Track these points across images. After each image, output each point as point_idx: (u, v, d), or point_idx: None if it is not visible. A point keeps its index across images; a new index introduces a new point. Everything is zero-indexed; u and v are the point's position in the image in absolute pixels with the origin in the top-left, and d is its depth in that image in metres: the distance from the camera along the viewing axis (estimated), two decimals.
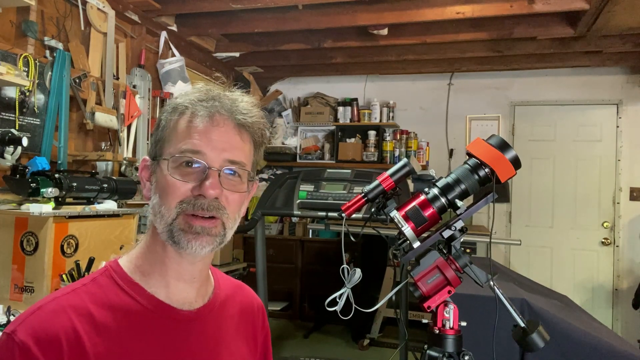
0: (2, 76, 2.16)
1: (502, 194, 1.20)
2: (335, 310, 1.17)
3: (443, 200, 1.17)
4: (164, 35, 3.78)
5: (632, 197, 4.54)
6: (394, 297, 1.32)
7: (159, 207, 0.78)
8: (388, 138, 4.92)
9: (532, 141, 4.82)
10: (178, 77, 3.74)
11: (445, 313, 1.15)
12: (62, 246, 2.08)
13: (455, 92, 5.05)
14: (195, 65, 4.24)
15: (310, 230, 5.03)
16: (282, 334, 4.35)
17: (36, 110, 2.54)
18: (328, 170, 2.67)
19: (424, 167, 4.73)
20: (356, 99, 5.11)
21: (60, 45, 2.72)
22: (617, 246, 4.57)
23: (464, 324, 1.16)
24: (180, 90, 3.66)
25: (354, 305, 1.21)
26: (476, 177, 1.17)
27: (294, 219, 5.05)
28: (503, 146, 1.16)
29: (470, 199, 1.21)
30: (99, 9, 3.03)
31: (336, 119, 5.10)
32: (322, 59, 4.57)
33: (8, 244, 2.06)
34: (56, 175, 2.19)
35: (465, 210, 1.16)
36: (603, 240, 4.62)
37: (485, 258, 3.60)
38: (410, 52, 4.35)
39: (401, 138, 4.91)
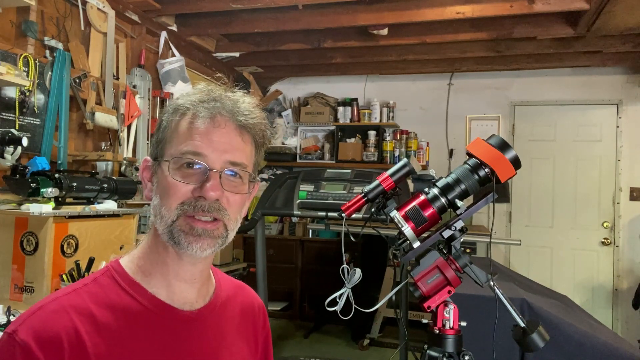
0: (2, 76, 2.16)
1: (502, 194, 1.20)
2: (335, 310, 1.17)
3: (443, 200, 1.17)
4: (164, 35, 3.78)
5: (632, 197, 4.54)
6: (394, 297, 1.32)
7: (159, 208, 0.79)
8: (388, 138, 4.92)
9: (532, 141, 4.82)
10: (178, 77, 3.74)
11: (445, 313, 1.15)
12: (62, 246, 2.08)
13: (455, 92, 5.05)
14: (195, 65, 4.24)
15: (310, 230, 5.03)
16: (282, 334, 4.35)
17: (36, 110, 2.54)
18: (328, 170, 2.67)
19: (424, 167, 4.73)
20: (356, 99, 5.11)
21: (60, 45, 2.72)
22: (617, 246, 4.57)
23: (464, 324, 1.16)
24: (180, 91, 3.66)
25: (354, 305, 1.21)
26: (476, 177, 1.17)
27: (294, 219, 5.05)
28: (503, 146, 1.16)
29: (470, 199, 1.21)
30: (99, 9, 3.03)
31: (336, 119, 5.10)
32: (322, 59, 4.57)
33: (8, 244, 2.06)
34: (56, 175, 2.19)
35: (465, 210, 1.16)
36: (603, 240, 4.62)
37: (485, 258, 3.60)
38: (410, 52, 4.35)
39: (401, 138, 4.91)
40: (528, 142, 4.81)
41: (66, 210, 2.16)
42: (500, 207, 4.78)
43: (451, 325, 1.15)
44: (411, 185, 1.28)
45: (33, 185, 2.12)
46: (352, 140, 5.01)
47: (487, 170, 1.16)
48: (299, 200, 2.56)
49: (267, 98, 5.33)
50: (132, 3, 3.36)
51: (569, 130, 4.74)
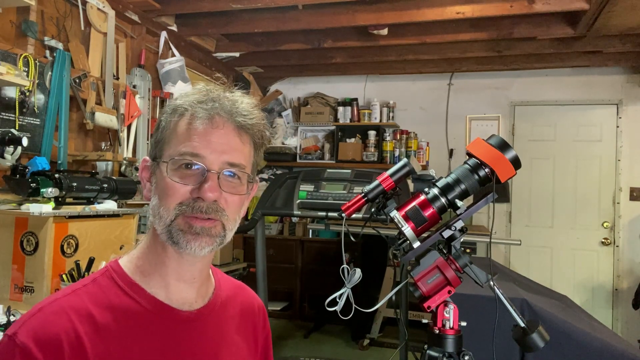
0: (2, 76, 2.16)
1: (502, 194, 1.20)
2: (335, 310, 1.17)
3: (443, 200, 1.17)
4: (164, 35, 3.78)
5: (632, 197, 4.54)
6: (394, 297, 1.32)
7: (158, 208, 0.79)
8: (388, 138, 4.92)
9: (532, 141, 4.82)
10: (178, 77, 3.74)
11: (445, 313, 1.15)
12: (62, 246, 2.08)
13: (455, 92, 5.05)
14: (195, 65, 4.24)
15: (310, 230, 5.03)
16: (282, 334, 4.35)
17: (36, 110, 2.54)
18: (328, 170, 2.67)
19: (424, 167, 4.73)
20: (356, 99, 5.11)
21: (60, 45, 2.72)
22: (617, 246, 4.57)
23: (464, 324, 1.16)
24: (180, 91, 3.65)
25: (354, 305, 1.21)
26: (476, 177, 1.17)
27: (294, 219, 5.05)
28: (503, 146, 1.16)
29: (470, 199, 1.21)
30: (99, 9, 3.03)
31: (336, 119, 5.10)
32: (322, 59, 4.57)
33: (8, 244, 2.06)
34: (56, 175, 2.19)
35: (465, 210, 1.16)
36: (603, 240, 4.62)
37: (485, 258, 3.60)
38: (410, 52, 4.35)
39: (401, 138, 4.91)
40: (528, 142, 4.81)
41: (66, 210, 2.16)
42: (500, 207, 4.79)
43: (451, 325, 1.15)
44: (411, 185, 1.28)
45: (33, 185, 2.12)
46: (352, 140, 5.01)
47: (487, 170, 1.16)
48: (299, 200, 2.56)
49: (267, 98, 5.33)
50: (132, 3, 3.36)
51: (569, 130, 4.74)
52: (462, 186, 1.17)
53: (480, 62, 4.60)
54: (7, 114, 2.40)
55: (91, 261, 1.99)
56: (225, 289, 0.92)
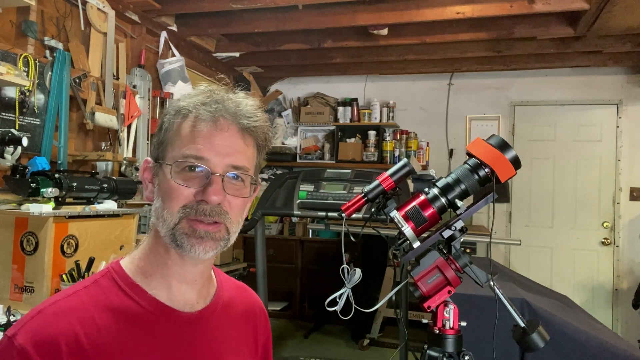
0: (2, 76, 2.16)
1: (502, 194, 1.20)
2: (335, 310, 1.17)
3: (443, 200, 1.17)
4: (164, 35, 3.78)
5: (632, 197, 4.54)
6: (394, 297, 1.32)
7: (161, 210, 0.78)
8: (388, 138, 4.92)
9: (532, 141, 4.82)
10: (178, 77, 3.75)
11: (445, 313, 1.15)
12: (62, 246, 2.08)
13: (455, 92, 5.05)
14: (195, 65, 4.24)
15: (310, 230, 5.03)
16: (282, 334, 4.35)
17: (36, 110, 2.54)
18: (328, 170, 2.67)
19: (424, 167, 4.73)
20: (356, 99, 5.11)
21: (60, 45, 2.72)
22: (617, 246, 4.57)
23: (464, 324, 1.16)
24: (180, 91, 3.66)
25: (354, 305, 1.21)
26: (476, 177, 1.17)
27: (294, 219, 5.05)
28: (503, 146, 1.16)
29: (470, 199, 1.21)
30: (99, 9, 3.03)
31: (336, 119, 5.10)
32: (322, 59, 4.57)
33: (8, 244, 2.06)
34: (56, 175, 2.19)
35: (465, 210, 1.16)
36: (603, 240, 4.62)
37: (485, 258, 3.60)
38: (410, 52, 4.35)
39: (401, 138, 4.91)
40: (528, 142, 4.81)
41: (66, 210, 2.16)
42: (500, 207, 4.78)
43: (451, 325, 1.15)
44: (411, 185, 1.28)
45: (33, 185, 2.12)
46: (352, 140, 5.01)
47: (487, 170, 1.16)
48: (299, 200, 2.56)
49: (267, 98, 5.33)
50: (132, 3, 3.36)
51: (569, 130, 4.74)
52: (462, 186, 1.17)
53: (480, 62, 4.60)
54: (7, 114, 2.40)
55: (91, 261, 1.99)
56: (227, 290, 0.92)
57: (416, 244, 1.16)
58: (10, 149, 2.19)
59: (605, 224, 4.62)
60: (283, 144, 5.20)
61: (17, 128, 2.41)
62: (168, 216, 0.77)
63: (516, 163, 1.15)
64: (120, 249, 2.39)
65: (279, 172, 5.15)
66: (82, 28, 2.96)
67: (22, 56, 2.43)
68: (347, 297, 1.19)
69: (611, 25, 3.39)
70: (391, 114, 4.97)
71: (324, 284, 3.64)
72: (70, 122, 2.80)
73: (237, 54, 4.46)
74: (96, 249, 2.24)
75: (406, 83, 5.17)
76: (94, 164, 3.05)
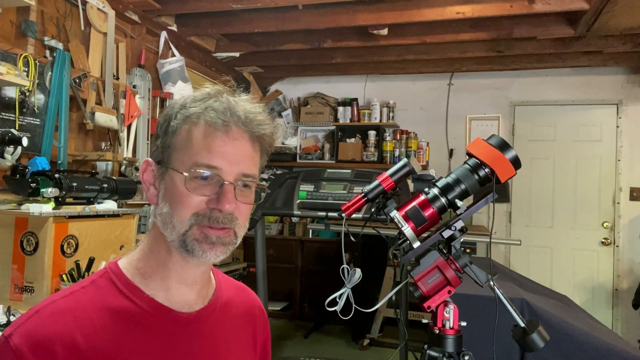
0: (2, 76, 2.16)
1: (502, 194, 1.20)
2: (335, 310, 1.17)
3: (443, 200, 1.17)
4: (164, 35, 3.78)
5: (632, 197, 4.54)
6: (394, 297, 1.32)
7: (170, 217, 0.78)
8: (388, 138, 4.92)
9: (532, 141, 4.82)
10: (178, 77, 3.75)
11: (445, 313, 1.15)
12: (62, 246, 2.08)
13: (455, 92, 5.05)
14: (195, 65, 4.24)
15: (310, 230, 5.03)
16: (282, 334, 4.35)
17: (36, 110, 2.54)
18: (328, 170, 2.67)
19: (424, 167, 4.73)
20: (356, 99, 5.11)
21: (60, 45, 2.72)
22: (617, 246, 4.57)
23: (464, 324, 1.16)
24: (180, 91, 3.66)
25: (354, 305, 1.21)
26: (476, 177, 1.17)
27: (294, 219, 5.05)
28: (503, 146, 1.16)
29: (470, 199, 1.21)
30: (99, 9, 3.03)
31: (336, 119, 5.10)
32: (322, 59, 4.57)
33: (8, 244, 2.06)
34: (56, 175, 2.18)
35: (465, 210, 1.16)
36: (603, 240, 4.62)
37: (485, 258, 3.60)
38: (410, 52, 4.35)
39: (401, 138, 4.91)
40: (528, 142, 4.81)
41: (66, 210, 2.16)
42: (500, 207, 4.78)
43: (451, 325, 1.15)
44: (411, 185, 1.28)
45: (33, 185, 2.12)
46: (352, 140, 5.01)
47: (487, 170, 1.16)
48: (299, 200, 2.56)
49: (267, 98, 5.33)
50: (132, 3, 3.36)
51: (569, 130, 4.74)
52: (462, 186, 1.17)
53: (480, 62, 4.60)
54: (7, 114, 2.40)
55: (91, 261, 1.99)
56: (226, 290, 0.92)
57: (416, 244, 1.16)
58: (10, 149, 2.19)
59: (605, 224, 4.62)
60: (283, 144, 5.20)
61: (17, 128, 2.41)
62: (178, 223, 0.77)
63: (516, 163, 1.15)
64: (120, 249, 2.39)
65: (279, 172, 5.15)
66: (82, 28, 2.96)
67: (22, 56, 2.43)
68: (347, 297, 1.19)
69: (611, 25, 3.39)
70: (391, 114, 4.97)
71: (324, 284, 3.64)
72: (70, 122, 2.80)
73: (237, 54, 4.46)
74: (96, 249, 2.24)
75: (406, 83, 5.17)
76: (94, 164, 3.05)
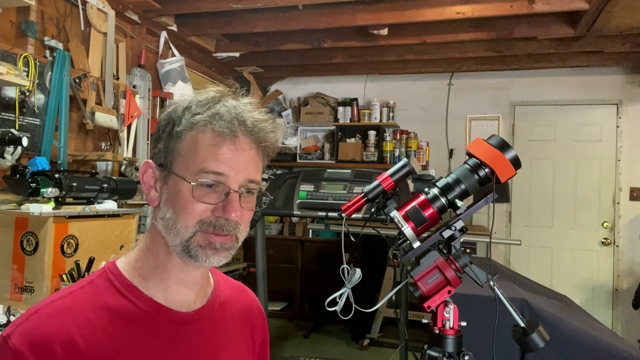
0: (2, 76, 2.16)
1: (502, 194, 1.20)
2: (335, 310, 1.17)
3: (443, 200, 1.17)
4: (164, 35, 3.78)
5: (632, 197, 4.54)
6: (394, 297, 1.32)
7: (174, 222, 0.78)
8: (388, 138, 4.92)
9: (532, 141, 4.82)
10: (178, 77, 3.74)
11: (445, 313, 1.15)
12: (62, 246, 2.08)
13: (455, 92, 5.05)
14: (195, 65, 4.24)
15: (310, 230, 5.03)
16: (282, 334, 4.35)
17: (36, 110, 2.54)
18: (328, 170, 2.67)
19: (424, 167, 4.73)
20: (356, 99, 5.11)
21: (60, 45, 2.72)
22: (617, 246, 4.57)
23: (464, 324, 1.16)
24: (180, 91, 3.66)
25: (354, 305, 1.21)
26: (476, 177, 1.17)
27: (294, 219, 5.05)
28: (503, 146, 1.16)
29: (470, 199, 1.21)
30: (99, 9, 3.03)
31: (336, 119, 5.10)
32: (322, 59, 4.57)
33: (8, 244, 2.06)
34: (56, 175, 2.18)
35: (465, 210, 1.16)
36: (603, 240, 4.62)
37: (485, 258, 3.60)
38: (410, 52, 4.35)
39: (401, 138, 4.91)
40: (528, 142, 4.82)
41: (66, 210, 2.16)
42: (500, 207, 4.78)
43: (451, 325, 1.15)
44: (411, 185, 1.28)
45: (33, 185, 2.12)
46: (352, 140, 5.01)
47: (487, 170, 1.16)
48: (299, 200, 2.56)
49: (267, 98, 5.33)
50: (132, 3, 3.36)
51: (569, 130, 4.74)
52: (462, 186, 1.17)
53: (480, 62, 4.60)
54: (7, 114, 2.40)
55: (91, 261, 1.99)
56: (224, 289, 0.92)
57: (416, 244, 1.16)
58: (10, 149, 2.19)
59: (605, 224, 4.62)
60: (283, 144, 5.20)
61: (17, 128, 2.41)
62: (182, 229, 0.77)
63: (516, 163, 1.15)
64: (120, 249, 2.39)
65: (279, 172, 5.15)
66: (82, 28, 2.96)
67: (22, 56, 2.43)
68: (347, 297, 1.19)
69: (611, 25, 3.39)
70: (391, 114, 4.97)
71: (324, 284, 3.64)
72: (70, 122, 2.80)
73: (237, 54, 4.46)
74: (96, 249, 2.24)
75: (406, 83, 5.17)
76: (94, 164, 3.05)
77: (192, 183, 0.76)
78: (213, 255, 0.78)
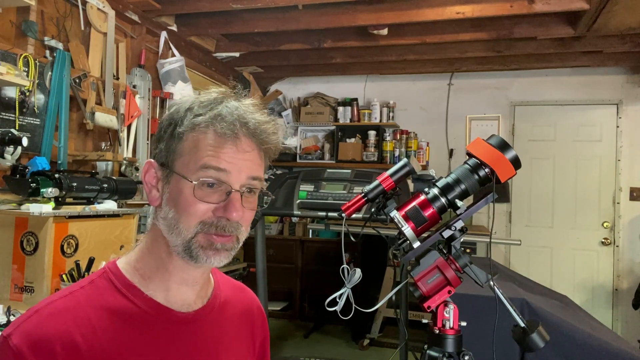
0: (2, 76, 2.16)
1: (502, 194, 1.20)
2: (335, 310, 1.17)
3: (443, 200, 1.17)
4: (164, 35, 3.78)
5: (632, 197, 4.54)
6: (394, 297, 1.32)
7: (175, 222, 0.78)
8: (388, 138, 4.92)
9: (532, 141, 4.82)
10: (178, 77, 3.74)
11: (445, 313, 1.15)
12: (62, 246, 2.08)
13: (455, 92, 5.05)
14: (195, 65, 4.24)
15: (310, 230, 5.03)
16: (282, 334, 4.35)
17: (36, 110, 2.54)
18: (328, 170, 2.67)
19: (424, 167, 4.73)
20: (356, 99, 5.11)
21: (60, 45, 2.72)
22: (617, 246, 4.57)
23: (464, 324, 1.16)
24: (180, 91, 3.65)
25: (354, 305, 1.21)
26: (476, 177, 1.17)
27: (294, 219, 5.05)
28: (503, 146, 1.16)
29: (470, 199, 1.21)
30: (99, 9, 3.03)
31: (336, 119, 5.10)
32: (322, 59, 4.57)
33: (8, 244, 2.06)
34: (56, 175, 2.18)
35: (465, 210, 1.16)
36: (603, 240, 4.62)
37: (485, 258, 3.60)
38: (410, 52, 4.35)
39: (401, 138, 4.91)
40: (528, 142, 4.82)
41: (66, 210, 2.16)
42: (500, 207, 4.78)
43: (451, 325, 1.15)
44: (411, 185, 1.28)
45: (33, 185, 2.12)
46: (352, 140, 5.01)
47: (487, 170, 1.16)
48: (299, 200, 2.56)
49: (267, 98, 5.33)
50: (132, 3, 3.36)
51: (569, 130, 4.74)
52: (462, 186, 1.17)
53: (480, 62, 4.60)
54: (7, 114, 2.40)
55: (91, 261, 1.99)
56: (225, 289, 0.92)
57: (416, 244, 1.16)
58: (10, 149, 2.19)
59: (605, 224, 4.62)
60: (283, 144, 5.20)
61: (17, 128, 2.41)
62: (184, 230, 0.77)
63: (516, 163, 1.15)
64: (120, 249, 2.39)
65: (279, 172, 5.14)
66: (82, 28, 2.96)
67: (22, 56, 2.43)
68: (347, 297, 1.19)
69: (611, 25, 3.39)
70: (391, 114, 4.97)
71: (324, 284, 3.64)
72: (70, 122, 2.80)
73: (237, 54, 4.46)
74: (96, 249, 2.24)
75: (406, 83, 5.17)
76: (94, 164, 3.05)
77: (193, 182, 0.76)
78: (214, 256, 0.78)
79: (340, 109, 5.08)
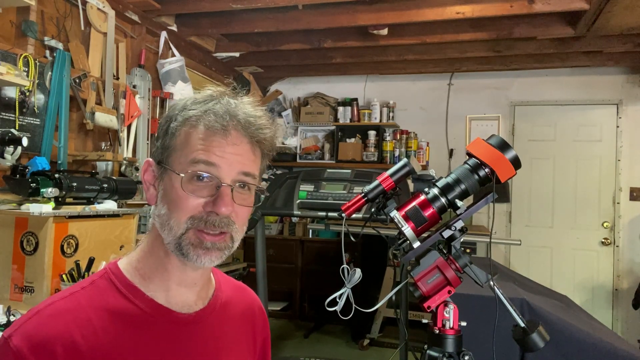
0: (2, 76, 2.16)
1: (502, 194, 1.20)
2: (335, 310, 1.17)
3: (443, 200, 1.17)
4: (164, 35, 3.78)
5: (632, 197, 4.54)
6: (394, 297, 1.32)
7: (167, 218, 0.78)
8: (388, 138, 4.93)
9: (532, 141, 4.82)
10: (178, 77, 3.74)
11: (445, 313, 1.15)
12: (62, 246, 2.08)
13: (455, 92, 5.05)
14: (195, 65, 4.24)
15: (310, 230, 5.03)
16: (282, 334, 4.36)
17: (36, 110, 2.54)
18: (328, 170, 2.67)
19: (424, 167, 4.73)
20: (356, 99, 5.11)
21: (60, 45, 2.72)
22: (617, 246, 4.57)
23: (464, 324, 1.16)
24: (180, 91, 3.66)
25: (354, 305, 1.21)
26: (476, 177, 1.17)
27: (294, 219, 5.05)
28: (503, 146, 1.16)
29: (470, 199, 1.21)
30: (99, 9, 3.03)
31: (336, 119, 5.10)
32: (322, 59, 4.57)
33: (8, 244, 2.06)
34: (56, 175, 2.18)
35: (465, 210, 1.16)
36: (603, 240, 4.62)
37: (485, 258, 3.60)
38: (410, 52, 4.35)
39: (401, 138, 4.91)
40: (528, 142, 4.82)
41: (66, 210, 2.15)
42: (500, 207, 4.78)
43: (451, 325, 1.15)
44: (411, 185, 1.28)
45: (33, 185, 2.12)
46: (352, 140, 5.01)
47: (487, 170, 1.16)
48: (299, 200, 2.56)
49: (267, 98, 5.33)
50: (132, 3, 3.36)
51: (569, 130, 4.74)
52: (462, 186, 1.17)
53: (480, 62, 4.60)
54: (7, 114, 2.40)
55: (91, 261, 1.99)
56: (226, 290, 0.92)
57: (416, 244, 1.16)
58: (10, 149, 2.19)
59: (605, 224, 4.62)
60: (283, 144, 5.20)
61: (17, 128, 2.41)
62: (175, 225, 0.77)
63: (516, 163, 1.15)
64: (120, 249, 2.39)
65: (279, 172, 5.15)
66: (82, 28, 2.96)
67: (22, 56, 2.43)
68: (347, 297, 1.19)
69: (611, 25, 3.39)
70: (391, 114, 4.97)
71: (324, 284, 3.64)
72: (70, 122, 2.80)
73: (237, 54, 4.46)
74: (96, 249, 2.24)
75: (406, 83, 5.17)
76: (94, 164, 3.05)
77: (181, 175, 0.76)
78: (204, 255, 0.77)
79: (340, 109, 5.08)
